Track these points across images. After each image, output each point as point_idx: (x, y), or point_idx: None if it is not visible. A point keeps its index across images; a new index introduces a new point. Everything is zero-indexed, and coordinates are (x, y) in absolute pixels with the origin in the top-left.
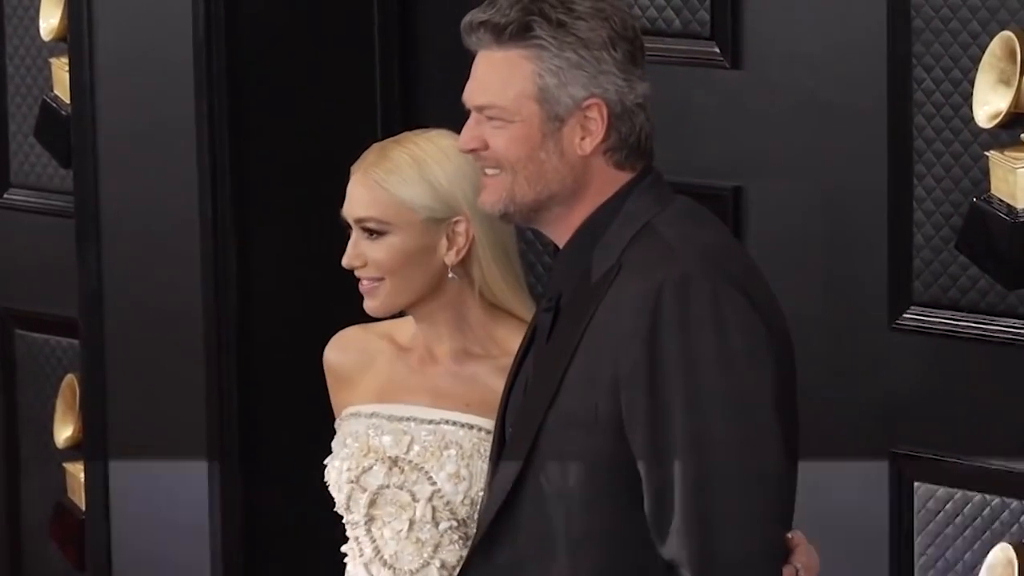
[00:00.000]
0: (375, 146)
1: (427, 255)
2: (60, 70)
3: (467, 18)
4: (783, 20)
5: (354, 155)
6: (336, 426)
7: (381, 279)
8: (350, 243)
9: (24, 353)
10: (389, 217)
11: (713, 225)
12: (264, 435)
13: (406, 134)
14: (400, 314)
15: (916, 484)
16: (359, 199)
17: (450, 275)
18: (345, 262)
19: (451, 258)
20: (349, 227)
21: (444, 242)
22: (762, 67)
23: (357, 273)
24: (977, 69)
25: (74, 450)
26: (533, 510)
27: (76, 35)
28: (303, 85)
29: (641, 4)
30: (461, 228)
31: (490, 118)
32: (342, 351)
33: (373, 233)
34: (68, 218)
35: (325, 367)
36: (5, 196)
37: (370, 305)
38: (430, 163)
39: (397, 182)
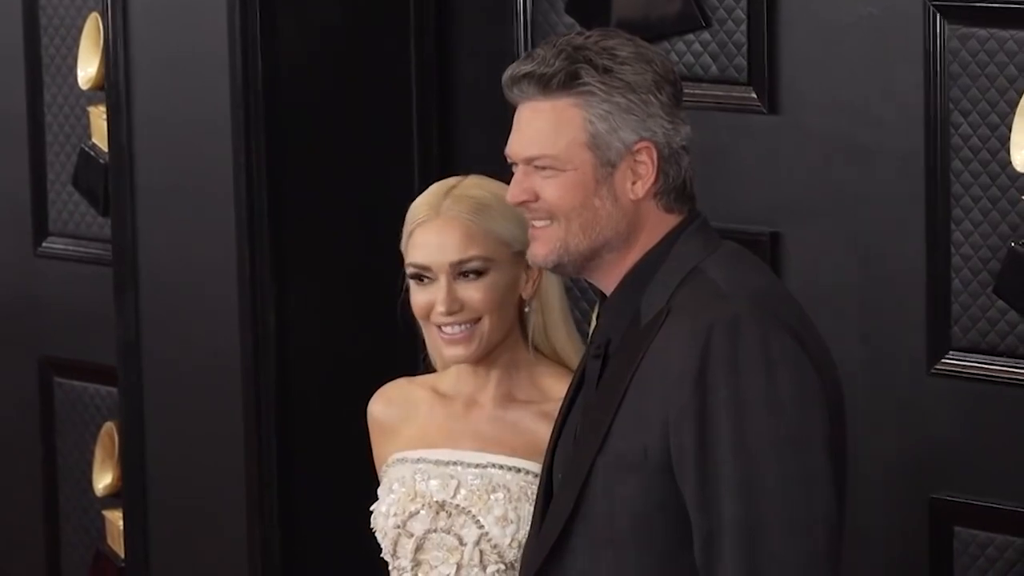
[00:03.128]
0: (433, 193)
1: (513, 291)
2: (98, 119)
3: (509, 71)
4: (820, 65)
5: (391, 204)
6: (381, 473)
7: (475, 321)
8: (441, 291)
9: (63, 401)
10: (490, 253)
11: (761, 269)
12: (303, 483)
13: (451, 180)
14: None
15: (956, 529)
16: (454, 241)
17: (527, 308)
18: (442, 310)
19: (528, 291)
20: (422, 279)
21: (523, 275)
22: (799, 112)
23: (449, 320)
24: (1014, 113)
25: (113, 498)
26: (582, 554)
27: (114, 84)
28: (341, 134)
29: (678, 50)
30: None
31: (541, 168)
32: (387, 404)
33: (471, 274)
34: (106, 266)
35: (369, 419)
36: (44, 244)
37: (461, 353)
38: (504, 197)
39: (490, 218)
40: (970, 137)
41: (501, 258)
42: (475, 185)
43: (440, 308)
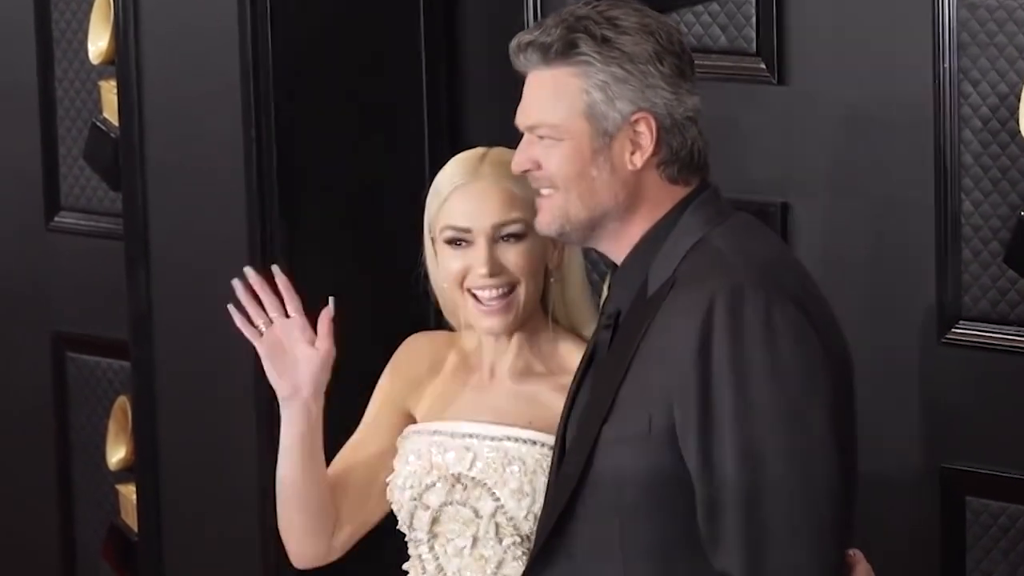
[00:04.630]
0: (468, 158)
1: (543, 260)
2: (109, 93)
3: (514, 40)
4: (829, 35)
5: (402, 178)
6: (397, 444)
7: (512, 287)
8: (481, 252)
9: (75, 376)
10: (530, 218)
11: (770, 239)
12: None
13: (482, 150)
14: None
15: (967, 499)
16: (495, 204)
17: (552, 279)
18: (483, 271)
19: (555, 260)
20: (459, 242)
21: (550, 245)
22: (808, 83)
23: (489, 283)
24: (1023, 83)
25: (126, 472)
26: (588, 523)
27: (124, 58)
28: (351, 109)
29: (687, 21)
30: None
31: (541, 137)
32: (416, 353)
33: (511, 238)
34: (118, 240)
35: (394, 362)
36: (56, 219)
37: (497, 323)
38: None
39: (525, 186)
40: (979, 107)
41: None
42: (506, 153)
43: (481, 270)
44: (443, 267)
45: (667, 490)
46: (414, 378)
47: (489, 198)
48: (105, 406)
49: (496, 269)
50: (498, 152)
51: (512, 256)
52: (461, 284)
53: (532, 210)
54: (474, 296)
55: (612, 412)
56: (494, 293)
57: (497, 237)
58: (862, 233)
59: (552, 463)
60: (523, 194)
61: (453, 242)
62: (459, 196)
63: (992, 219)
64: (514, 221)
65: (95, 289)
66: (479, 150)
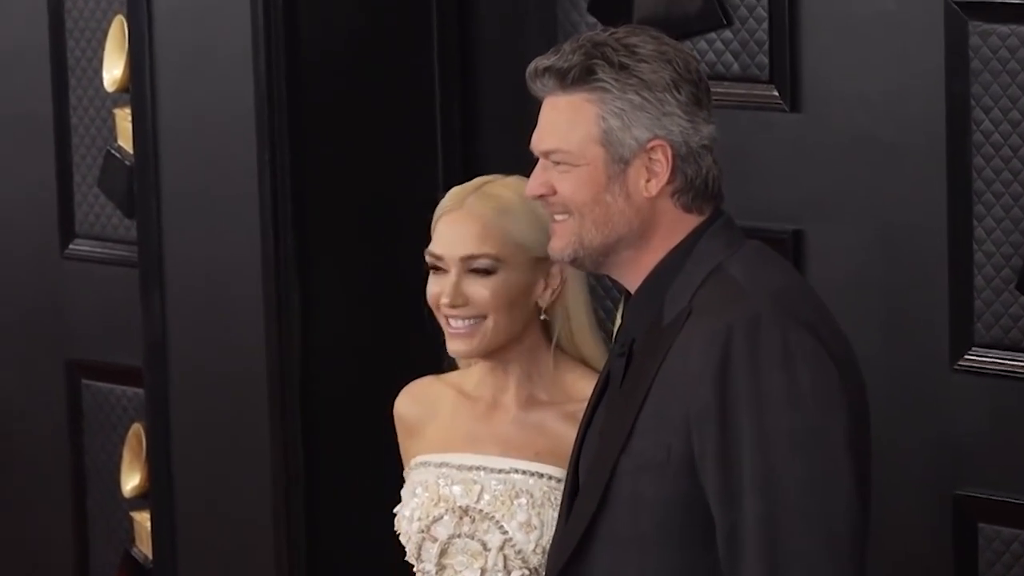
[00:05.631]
0: (463, 188)
1: (526, 296)
2: (123, 121)
3: (532, 65)
4: (841, 63)
5: (416, 202)
6: (405, 475)
7: (481, 318)
8: (448, 283)
9: (90, 402)
10: (504, 254)
11: (784, 268)
12: (329, 483)
13: (488, 177)
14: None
15: (980, 525)
16: (468, 236)
17: (542, 316)
18: (446, 302)
19: (545, 299)
20: (436, 269)
21: (541, 282)
22: (821, 110)
23: (453, 313)
24: None
25: (141, 499)
26: (606, 553)
27: (139, 86)
28: (364, 134)
29: (700, 49)
30: (556, 269)
31: (556, 163)
32: (412, 401)
33: (481, 271)
34: (132, 268)
35: (395, 417)
36: (71, 247)
37: (462, 347)
38: (534, 201)
39: (510, 220)
40: (991, 133)
41: (515, 261)
42: (509, 185)
43: (444, 300)
44: (427, 289)
45: (686, 517)
46: (413, 429)
47: (463, 229)
48: (120, 433)
49: (459, 300)
50: (497, 185)
51: (478, 289)
52: (437, 307)
53: (510, 246)
54: (446, 319)
55: (630, 441)
56: (460, 323)
57: (466, 269)
58: (875, 260)
59: (564, 493)
60: (502, 229)
61: (432, 267)
62: (442, 223)
63: (1004, 246)
64: (484, 256)
65: (110, 316)
66: (487, 177)
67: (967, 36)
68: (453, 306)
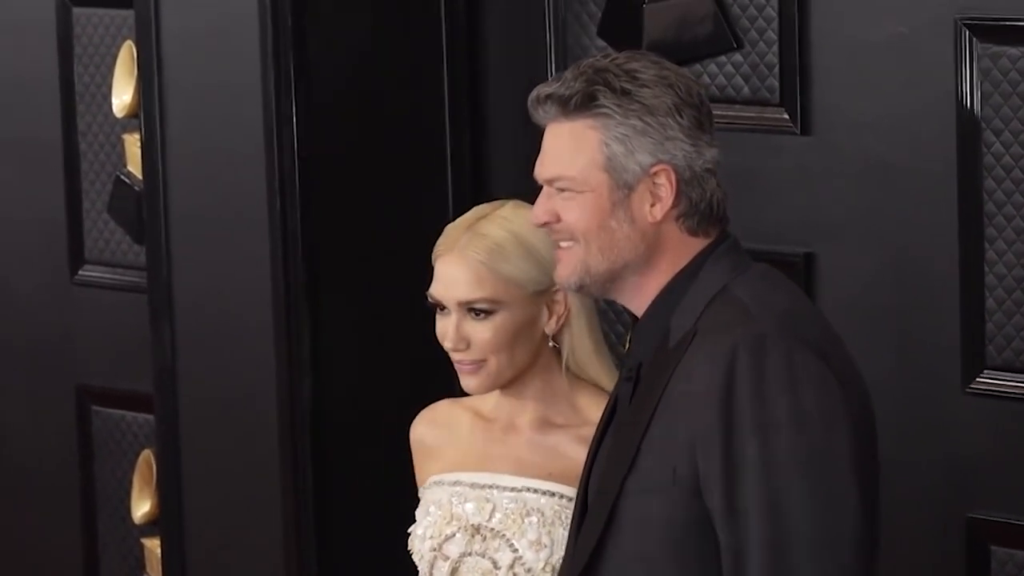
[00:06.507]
0: (458, 224)
1: (530, 328)
2: (133, 146)
3: (534, 93)
4: (851, 85)
5: (425, 230)
6: (420, 495)
7: (484, 360)
8: (450, 326)
9: (100, 429)
10: (499, 296)
11: (790, 290)
12: (340, 508)
13: (485, 208)
14: None
15: (992, 548)
16: (462, 281)
17: (551, 343)
18: (449, 346)
19: (551, 327)
20: (440, 308)
21: (545, 312)
22: (831, 133)
23: (456, 357)
24: None
25: (151, 526)
26: (614, 571)
27: (147, 112)
28: (373, 160)
29: (710, 72)
30: (559, 296)
31: (560, 190)
32: (430, 425)
33: (480, 313)
34: (142, 293)
35: (412, 441)
36: (80, 272)
37: (471, 384)
38: (527, 236)
39: (502, 260)
40: (1002, 156)
41: (512, 300)
42: (503, 218)
43: (447, 344)
44: (436, 327)
45: (691, 539)
46: (430, 452)
47: (457, 273)
48: (130, 459)
49: (461, 345)
50: (490, 221)
51: (481, 331)
52: (444, 345)
53: (505, 287)
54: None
55: (635, 463)
56: (465, 363)
57: (465, 311)
58: (886, 283)
59: (574, 515)
60: (495, 271)
61: (435, 306)
62: (439, 265)
63: (1016, 268)
64: (479, 300)
65: (119, 342)
66: (483, 209)
67: (977, 58)
68: (456, 349)
